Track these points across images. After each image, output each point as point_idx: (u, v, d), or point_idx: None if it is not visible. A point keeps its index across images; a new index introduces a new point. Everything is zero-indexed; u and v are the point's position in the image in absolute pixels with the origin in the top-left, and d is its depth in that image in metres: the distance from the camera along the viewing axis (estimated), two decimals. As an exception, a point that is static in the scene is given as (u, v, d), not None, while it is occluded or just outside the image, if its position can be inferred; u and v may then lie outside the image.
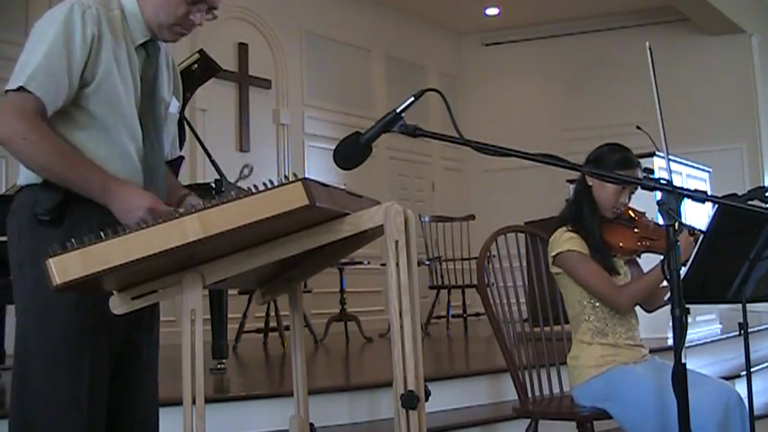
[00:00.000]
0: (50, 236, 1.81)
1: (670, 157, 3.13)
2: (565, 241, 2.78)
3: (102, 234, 1.58)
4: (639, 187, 1.93)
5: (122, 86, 1.89)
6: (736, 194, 2.98)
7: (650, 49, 2.94)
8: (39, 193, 1.83)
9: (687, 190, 1.81)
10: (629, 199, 2.82)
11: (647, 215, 2.87)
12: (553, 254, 2.81)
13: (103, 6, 1.90)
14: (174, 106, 2.11)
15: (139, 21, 1.95)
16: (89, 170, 1.82)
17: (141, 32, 1.96)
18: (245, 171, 1.91)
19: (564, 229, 2.82)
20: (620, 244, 2.79)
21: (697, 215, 4.65)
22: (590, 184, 2.83)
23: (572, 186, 2.95)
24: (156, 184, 1.97)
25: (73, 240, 1.58)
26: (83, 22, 1.83)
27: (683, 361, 1.79)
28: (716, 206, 2.31)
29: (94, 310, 1.82)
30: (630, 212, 2.85)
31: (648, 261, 2.74)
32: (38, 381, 1.80)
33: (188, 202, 2.07)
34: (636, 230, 2.81)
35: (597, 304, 2.78)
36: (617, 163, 2.75)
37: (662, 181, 1.83)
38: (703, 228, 2.43)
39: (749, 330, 2.69)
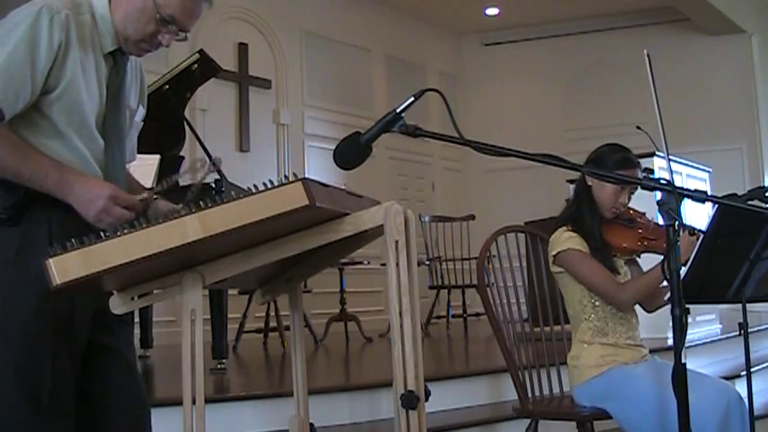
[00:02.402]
0: (7, 235, 1.77)
1: (670, 157, 3.13)
2: (565, 240, 2.78)
3: (102, 234, 1.58)
4: (639, 187, 1.93)
5: (86, 95, 1.84)
6: (736, 194, 2.97)
7: (648, 56, 2.94)
8: None
9: (687, 190, 1.81)
10: (629, 199, 2.82)
11: (647, 215, 2.87)
12: (553, 253, 2.81)
13: (73, 11, 1.83)
14: (140, 114, 2.07)
15: (109, 28, 1.89)
16: (44, 164, 1.76)
17: (111, 40, 1.90)
18: (210, 167, 1.86)
19: (564, 228, 2.83)
20: (620, 244, 2.79)
21: (697, 215, 4.65)
22: (590, 184, 2.83)
23: (572, 186, 2.96)
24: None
25: (73, 241, 1.58)
26: (50, 28, 1.77)
27: (683, 361, 1.79)
28: (716, 206, 2.32)
29: (56, 312, 1.79)
30: (631, 213, 2.85)
31: (649, 261, 2.74)
32: None
33: (155, 206, 1.99)
34: (636, 231, 2.81)
35: (597, 303, 2.78)
36: (616, 163, 2.76)
37: (662, 181, 1.84)
38: (703, 228, 2.43)
39: (749, 330, 2.69)
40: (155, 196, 2.01)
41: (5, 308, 1.77)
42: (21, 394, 1.76)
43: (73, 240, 1.57)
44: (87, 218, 1.76)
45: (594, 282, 2.74)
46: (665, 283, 2.52)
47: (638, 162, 2.83)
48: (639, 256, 2.90)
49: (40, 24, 1.77)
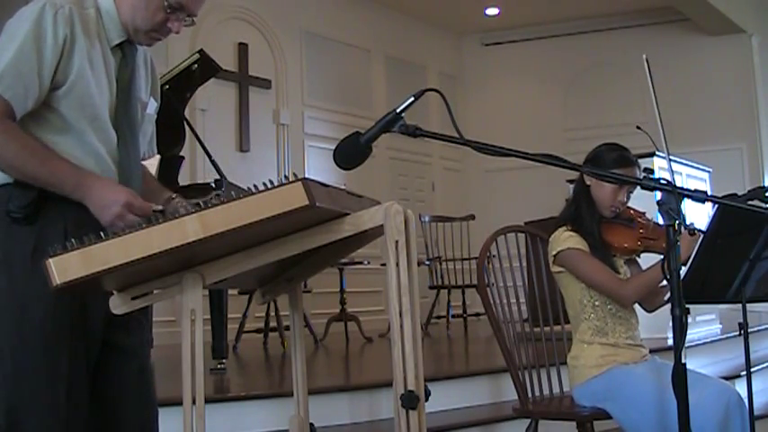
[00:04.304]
0: (22, 234, 1.78)
1: (670, 157, 3.13)
2: (565, 240, 2.79)
3: (102, 234, 1.58)
4: (639, 187, 1.93)
5: (96, 89, 1.85)
6: (736, 194, 2.98)
7: (647, 60, 2.95)
8: (12, 191, 1.79)
9: (687, 190, 1.81)
10: (628, 198, 2.83)
11: (646, 215, 2.87)
12: (554, 253, 2.81)
13: (77, 6, 1.84)
14: (152, 107, 2.07)
15: (115, 21, 1.90)
16: (61, 167, 1.78)
17: (117, 33, 1.91)
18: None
19: (563, 228, 2.83)
20: (620, 243, 2.80)
21: (697, 215, 4.65)
22: (588, 183, 2.84)
23: (572, 186, 2.96)
24: (131, 186, 1.91)
25: (73, 240, 1.58)
26: (54, 23, 1.78)
27: (683, 361, 1.79)
28: (716, 206, 2.31)
29: (72, 311, 1.79)
30: (630, 212, 2.85)
31: (648, 261, 2.74)
32: (14, 383, 1.76)
33: (173, 206, 2.00)
34: (635, 230, 2.81)
35: (597, 303, 2.78)
36: (614, 161, 2.77)
37: (662, 181, 1.83)
38: (703, 228, 2.43)
39: (749, 330, 2.69)
40: (174, 195, 2.02)
41: (24, 307, 1.77)
42: (38, 393, 1.76)
43: (73, 240, 1.58)
44: (102, 222, 1.76)
45: (596, 279, 2.74)
46: (665, 282, 2.52)
47: (636, 160, 2.84)
48: (639, 256, 2.91)
49: (44, 21, 1.78)
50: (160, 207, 1.86)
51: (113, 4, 1.90)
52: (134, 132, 1.96)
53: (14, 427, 1.76)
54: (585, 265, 2.75)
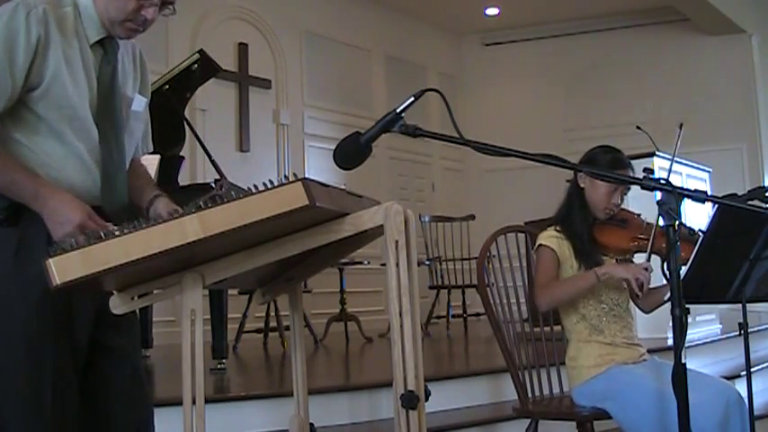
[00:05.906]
0: (5, 236, 1.78)
1: (668, 156, 3.13)
2: (545, 238, 2.83)
3: (102, 234, 1.58)
4: (639, 187, 1.93)
5: (74, 88, 1.83)
6: (736, 194, 2.98)
7: None
8: None
9: (687, 190, 1.81)
10: (622, 200, 2.84)
11: (641, 216, 2.88)
12: (533, 250, 2.87)
13: (51, 5, 1.82)
14: (140, 103, 2.04)
15: (93, 17, 1.88)
16: (20, 175, 1.76)
17: (96, 29, 1.89)
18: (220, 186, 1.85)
19: (552, 228, 2.85)
20: (614, 244, 2.81)
21: (697, 215, 4.65)
22: (582, 185, 2.84)
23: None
24: (114, 187, 1.90)
25: (73, 241, 1.58)
26: (27, 24, 1.76)
27: (683, 361, 1.79)
28: (716, 206, 2.32)
29: (56, 312, 1.79)
30: (624, 213, 2.86)
31: (640, 260, 2.74)
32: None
33: (156, 206, 1.98)
34: (628, 230, 2.82)
35: (591, 302, 2.78)
36: (609, 163, 2.79)
37: (662, 181, 1.84)
38: (703, 228, 2.44)
39: (749, 330, 2.69)
40: (157, 194, 1.99)
41: (6, 308, 1.77)
42: (24, 394, 1.76)
43: (73, 240, 1.57)
44: (53, 236, 1.74)
45: (536, 276, 2.81)
46: (663, 281, 2.52)
47: (630, 162, 2.85)
48: (632, 256, 2.91)
49: (16, 21, 1.76)
50: (116, 228, 1.81)
51: (91, 0, 1.88)
52: (117, 130, 1.93)
53: (2, 427, 1.75)
54: (541, 264, 2.81)
